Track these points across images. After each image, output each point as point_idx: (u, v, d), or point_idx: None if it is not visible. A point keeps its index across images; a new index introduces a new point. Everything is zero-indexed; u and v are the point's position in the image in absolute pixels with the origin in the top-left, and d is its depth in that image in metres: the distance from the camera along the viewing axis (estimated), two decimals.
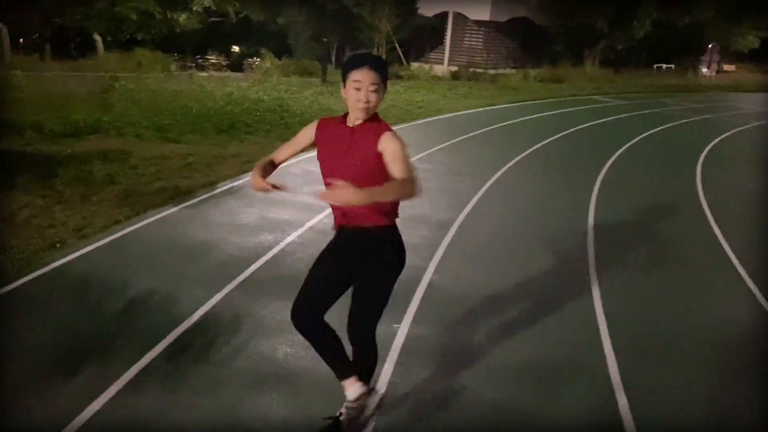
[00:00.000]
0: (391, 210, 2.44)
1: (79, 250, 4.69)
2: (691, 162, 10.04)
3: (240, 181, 6.94)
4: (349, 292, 2.55)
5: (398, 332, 3.73)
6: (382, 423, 2.86)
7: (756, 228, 6.67)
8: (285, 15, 31.06)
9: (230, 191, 6.58)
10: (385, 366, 3.35)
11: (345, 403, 2.59)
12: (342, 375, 2.56)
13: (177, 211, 5.80)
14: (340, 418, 2.64)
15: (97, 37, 26.65)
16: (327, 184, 2.34)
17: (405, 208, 2.50)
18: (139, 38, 27.86)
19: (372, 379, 2.75)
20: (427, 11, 29.88)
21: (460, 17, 30.77)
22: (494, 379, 3.35)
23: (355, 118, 2.36)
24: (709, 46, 38.64)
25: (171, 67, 21.93)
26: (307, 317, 2.46)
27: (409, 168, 2.25)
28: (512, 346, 3.72)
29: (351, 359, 2.62)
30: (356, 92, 2.28)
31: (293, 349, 3.46)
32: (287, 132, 9.75)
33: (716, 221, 6.66)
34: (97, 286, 4.12)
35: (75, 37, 28.43)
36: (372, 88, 2.28)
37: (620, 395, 3.26)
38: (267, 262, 4.75)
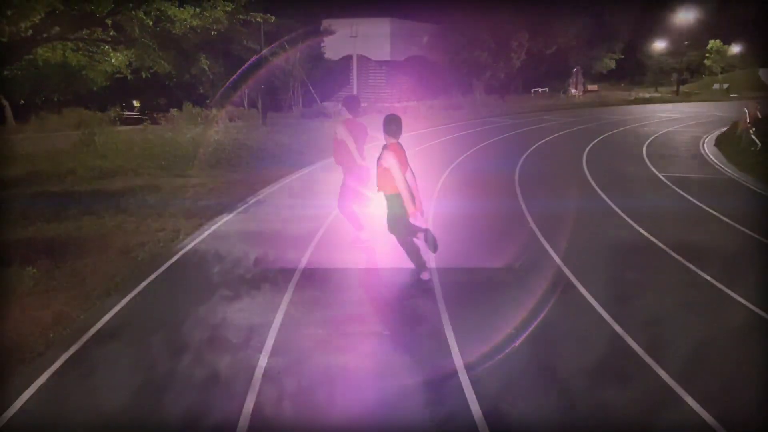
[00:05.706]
0: None
1: (193, 240, 6.67)
2: (581, 152, 13.37)
3: (261, 196, 9.03)
4: None
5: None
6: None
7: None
8: (198, 67, 32.86)
9: (258, 203, 8.66)
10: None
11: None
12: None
13: (233, 216, 7.84)
14: None
15: (5, 102, 26.96)
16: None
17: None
18: (55, 99, 28.51)
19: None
20: (332, 55, 32.88)
21: (363, 59, 34.05)
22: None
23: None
24: (574, 69, 44.56)
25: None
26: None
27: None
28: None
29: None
30: None
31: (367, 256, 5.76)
32: (260, 164, 11.83)
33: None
34: (227, 254, 6.17)
35: None
36: None
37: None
38: (323, 234, 6.97)
